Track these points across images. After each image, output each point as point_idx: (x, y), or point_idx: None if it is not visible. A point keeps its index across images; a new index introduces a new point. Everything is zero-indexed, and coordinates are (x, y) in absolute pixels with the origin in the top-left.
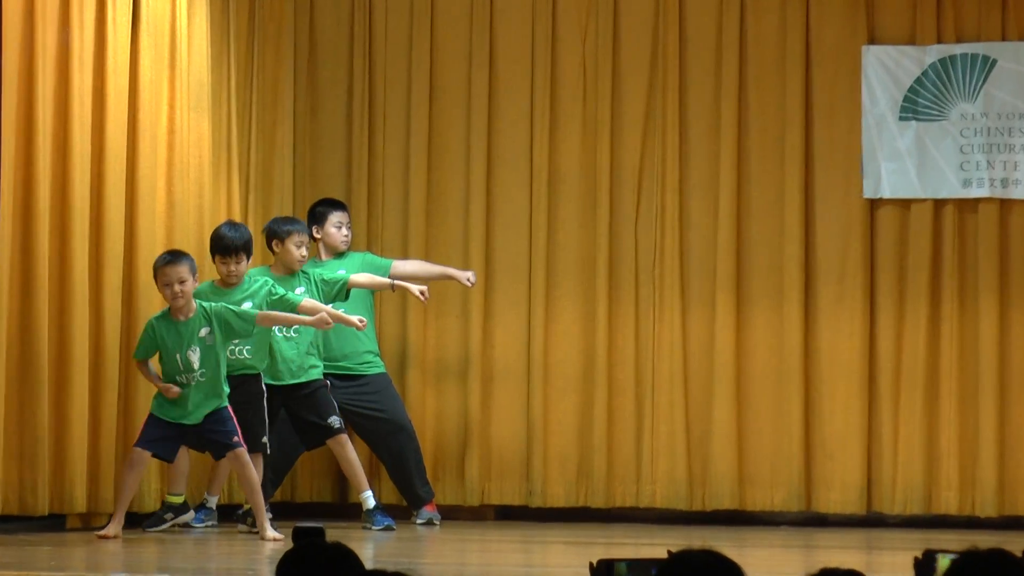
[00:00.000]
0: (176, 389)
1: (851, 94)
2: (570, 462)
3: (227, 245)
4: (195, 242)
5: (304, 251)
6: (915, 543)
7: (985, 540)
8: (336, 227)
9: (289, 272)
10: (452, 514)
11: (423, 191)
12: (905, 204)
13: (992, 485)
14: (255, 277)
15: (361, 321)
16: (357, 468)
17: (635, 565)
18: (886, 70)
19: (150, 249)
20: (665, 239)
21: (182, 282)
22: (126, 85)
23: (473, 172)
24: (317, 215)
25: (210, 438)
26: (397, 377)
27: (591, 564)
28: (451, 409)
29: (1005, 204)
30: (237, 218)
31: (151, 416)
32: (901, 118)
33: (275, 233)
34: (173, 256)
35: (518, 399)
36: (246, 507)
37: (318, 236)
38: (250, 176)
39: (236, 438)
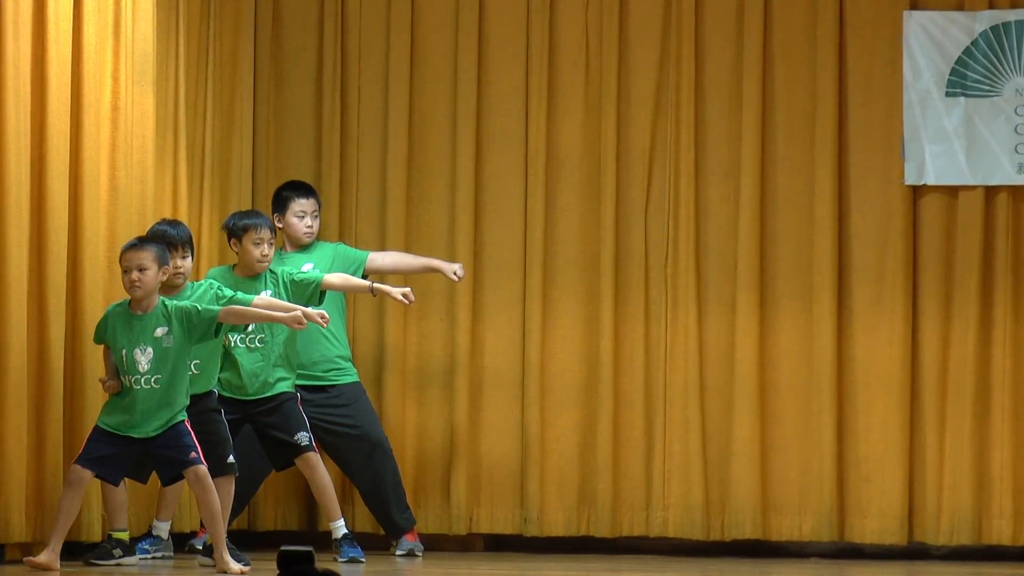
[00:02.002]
0: (113, 384)
1: (891, 66)
2: (570, 485)
3: (170, 241)
4: (137, 233)
5: (266, 248)
6: None
7: None
8: (298, 216)
9: (251, 274)
10: (436, 544)
11: (403, 176)
12: (952, 192)
13: None
14: (201, 282)
15: (323, 317)
16: (328, 492)
17: None
18: (931, 39)
19: (93, 243)
20: (679, 232)
21: (142, 270)
22: (69, 54)
23: (460, 155)
24: (280, 201)
25: (162, 455)
26: (373, 387)
27: None
28: (435, 424)
29: None
30: (185, 208)
31: (96, 428)
32: (948, 94)
33: (231, 231)
34: (139, 241)
35: (511, 413)
36: (207, 537)
37: (280, 226)
38: (205, 159)
39: (194, 454)
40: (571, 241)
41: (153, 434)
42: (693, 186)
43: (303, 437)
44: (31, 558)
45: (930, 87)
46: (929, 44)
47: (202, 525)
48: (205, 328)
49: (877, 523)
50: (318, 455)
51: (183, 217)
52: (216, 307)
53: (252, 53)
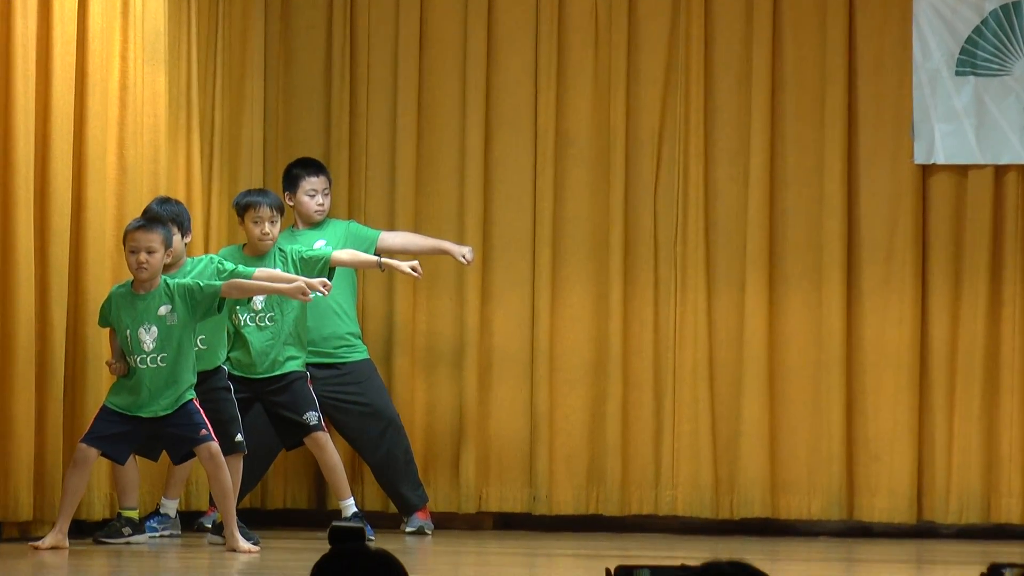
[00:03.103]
0: (119, 366)
1: (901, 45)
2: (579, 464)
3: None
4: None
5: (267, 227)
6: (972, 556)
7: None
8: (309, 195)
9: (257, 253)
10: (445, 522)
11: (412, 155)
12: (962, 171)
13: None
14: (200, 257)
15: (324, 285)
16: (338, 471)
17: (659, 572)
18: (941, 18)
19: (99, 222)
20: (688, 211)
21: (150, 252)
22: (74, 34)
23: (469, 134)
24: (290, 179)
25: (173, 433)
26: (382, 364)
27: (607, 571)
28: (444, 402)
29: None
30: (199, 186)
31: (103, 408)
32: (958, 73)
33: (236, 209)
34: (148, 221)
35: (520, 392)
36: (216, 516)
37: (291, 204)
38: (214, 138)
39: (205, 431)
40: (580, 220)
41: (162, 414)
42: (702, 165)
43: (312, 416)
44: (37, 544)
45: (940, 66)
46: (939, 23)
47: (211, 503)
48: (208, 304)
49: (886, 502)
50: (327, 435)
51: (196, 195)
52: (218, 282)
53: (263, 31)
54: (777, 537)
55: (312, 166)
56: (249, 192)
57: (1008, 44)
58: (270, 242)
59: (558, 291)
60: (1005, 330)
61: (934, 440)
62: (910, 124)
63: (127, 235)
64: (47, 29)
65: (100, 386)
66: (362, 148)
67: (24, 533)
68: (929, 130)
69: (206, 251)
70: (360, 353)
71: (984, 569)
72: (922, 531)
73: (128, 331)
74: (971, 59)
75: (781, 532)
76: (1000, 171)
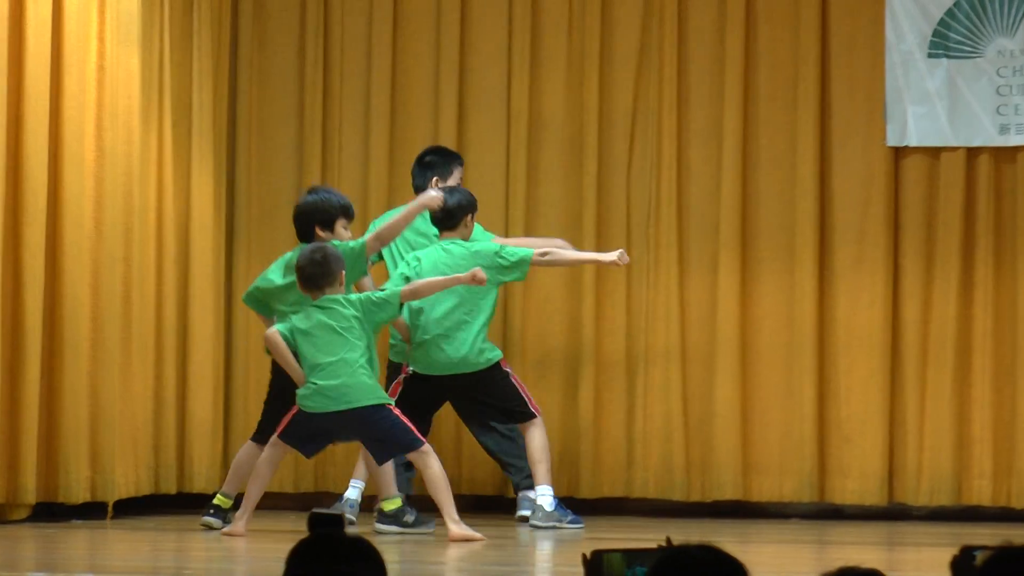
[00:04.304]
0: None
1: (874, 27)
2: (551, 446)
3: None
4: (123, 195)
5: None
6: (943, 538)
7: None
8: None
9: None
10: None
11: (385, 137)
12: (934, 153)
13: None
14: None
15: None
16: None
17: (631, 556)
18: (914, 0)
19: (77, 203)
20: (661, 192)
21: None
22: (49, 14)
23: (443, 115)
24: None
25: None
26: None
27: (584, 556)
28: None
29: None
30: (171, 170)
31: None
32: (930, 55)
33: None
34: None
35: None
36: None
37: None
38: (192, 120)
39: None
40: (553, 202)
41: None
42: (675, 147)
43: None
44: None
45: (912, 48)
46: (912, 5)
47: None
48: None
49: (858, 484)
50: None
51: (167, 178)
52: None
53: (239, 12)
54: (749, 519)
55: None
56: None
57: (980, 26)
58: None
59: (530, 273)
60: (976, 312)
61: (906, 422)
62: (883, 106)
63: None
64: (20, 9)
65: (78, 367)
66: (335, 130)
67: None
68: (902, 112)
69: (187, 238)
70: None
71: (956, 551)
72: (893, 513)
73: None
74: (944, 41)
75: (753, 514)
76: (972, 153)
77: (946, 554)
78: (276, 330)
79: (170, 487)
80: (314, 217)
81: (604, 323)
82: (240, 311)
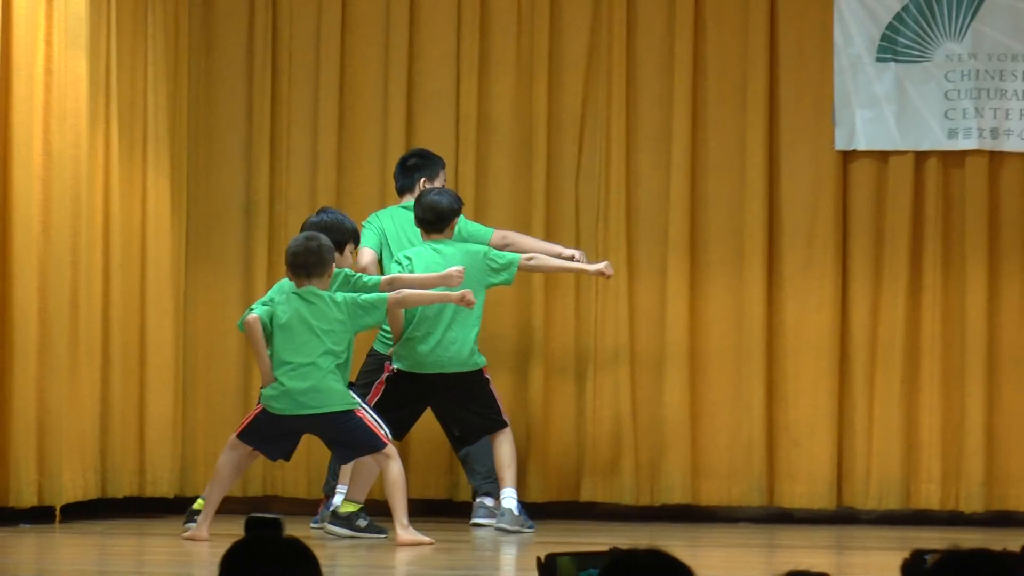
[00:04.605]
0: None
1: (822, 31)
2: None
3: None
4: (70, 198)
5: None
6: (892, 542)
7: (970, 538)
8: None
9: None
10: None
11: (334, 141)
12: (883, 157)
13: (978, 477)
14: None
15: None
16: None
17: (583, 559)
18: (862, 4)
19: (25, 206)
20: (610, 196)
21: None
22: None
23: (391, 118)
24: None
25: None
26: None
27: (538, 559)
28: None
29: (995, 158)
30: (117, 173)
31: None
32: (879, 59)
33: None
34: None
35: None
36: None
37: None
38: (147, 123)
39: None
40: (502, 205)
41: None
42: (624, 151)
43: None
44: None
45: (861, 52)
46: (860, 9)
47: (326, 493)
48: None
49: (806, 488)
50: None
51: (114, 182)
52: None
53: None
54: (698, 523)
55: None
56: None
57: (929, 31)
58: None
59: None
60: (925, 316)
61: (854, 426)
62: (831, 110)
63: None
64: None
65: (26, 371)
66: (284, 133)
67: None
68: (850, 116)
69: (142, 242)
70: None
71: (906, 555)
72: (842, 517)
73: None
74: (892, 45)
75: (702, 518)
76: (920, 157)
77: (895, 558)
78: (258, 317)
79: (119, 491)
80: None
81: (553, 326)
82: (199, 315)
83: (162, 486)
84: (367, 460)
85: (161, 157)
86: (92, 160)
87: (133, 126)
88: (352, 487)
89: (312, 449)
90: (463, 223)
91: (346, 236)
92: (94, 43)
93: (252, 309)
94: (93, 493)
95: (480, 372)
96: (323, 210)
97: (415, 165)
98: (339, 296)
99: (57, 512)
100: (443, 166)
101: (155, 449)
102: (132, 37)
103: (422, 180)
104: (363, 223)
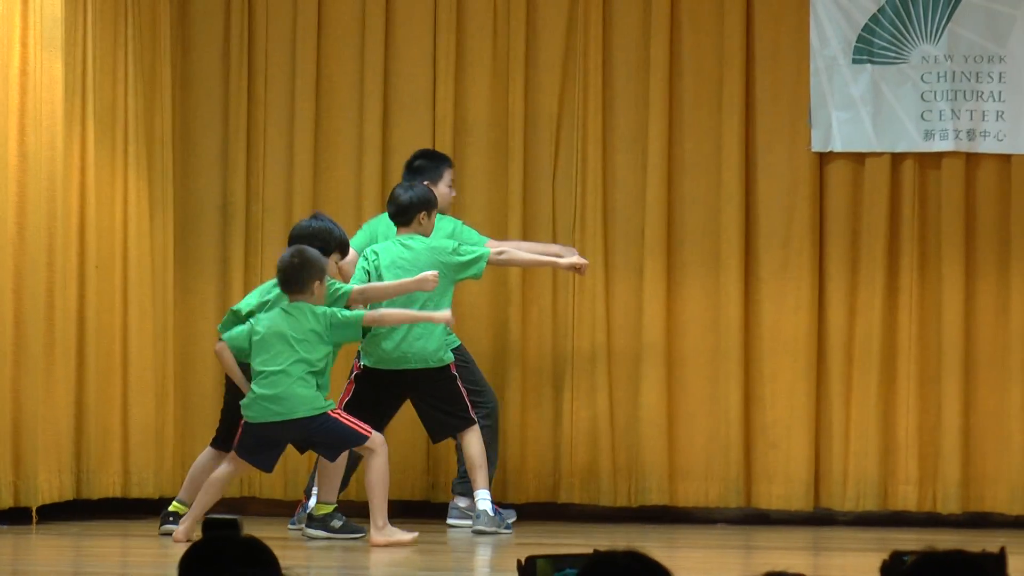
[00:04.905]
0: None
1: (798, 32)
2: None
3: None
4: (46, 200)
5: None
6: (868, 543)
7: (947, 540)
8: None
9: None
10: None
11: (310, 142)
12: (859, 158)
13: (955, 478)
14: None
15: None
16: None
17: (558, 560)
18: (837, 6)
19: (1, 208)
20: (587, 197)
21: None
22: None
23: (367, 119)
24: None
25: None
26: None
27: (519, 562)
28: (336, 392)
29: (972, 159)
30: (93, 173)
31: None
32: (855, 61)
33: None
34: None
35: None
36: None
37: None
38: (128, 125)
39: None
40: (479, 207)
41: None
42: (601, 152)
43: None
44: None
45: (837, 54)
46: (836, 10)
47: (306, 495)
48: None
49: (783, 489)
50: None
51: (89, 184)
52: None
53: (168, 19)
54: (675, 524)
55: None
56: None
57: (905, 32)
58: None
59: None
60: (901, 318)
61: (831, 427)
62: (807, 111)
63: None
64: None
65: (3, 371)
66: (260, 135)
67: None
68: (826, 117)
69: (123, 243)
70: None
71: (885, 556)
72: (819, 518)
73: None
74: (868, 47)
75: (679, 519)
76: (897, 159)
77: (872, 559)
78: (225, 345)
79: (97, 492)
80: (311, 243)
81: (530, 328)
82: (175, 316)
83: (141, 488)
84: (331, 462)
85: (140, 159)
86: (68, 162)
87: (113, 128)
88: (321, 489)
89: (288, 451)
90: (460, 229)
91: (332, 245)
92: (70, 45)
93: (227, 323)
94: (69, 494)
95: (447, 368)
96: (315, 216)
97: (419, 168)
98: (319, 309)
99: (33, 513)
100: (449, 165)
101: (133, 451)
102: (110, 39)
103: (425, 183)
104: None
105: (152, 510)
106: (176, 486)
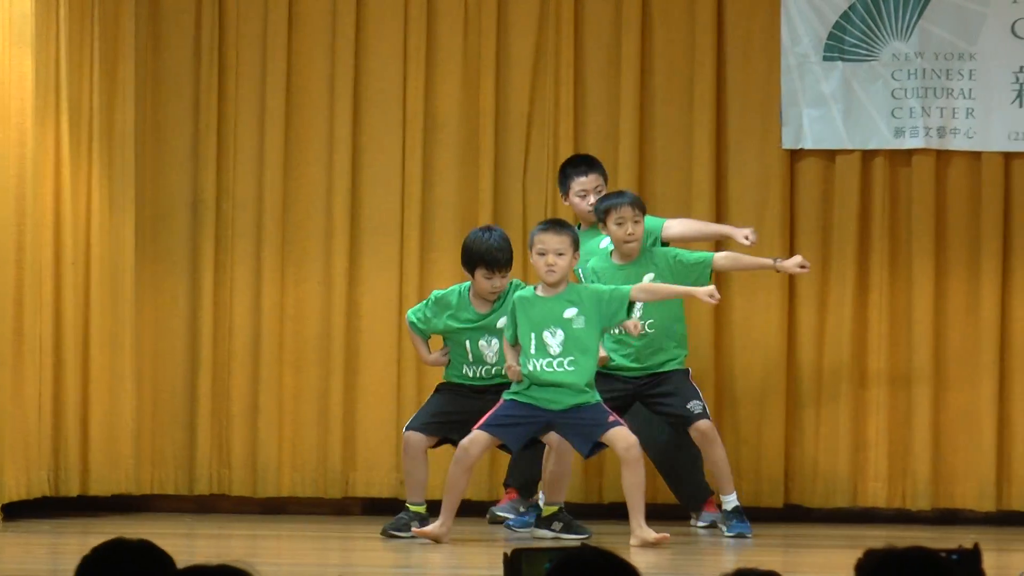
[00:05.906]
0: (516, 369)
1: (769, 29)
2: (449, 449)
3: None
4: (15, 197)
5: (631, 227)
6: (839, 540)
7: (916, 536)
8: (580, 196)
9: (625, 257)
10: (312, 508)
11: (280, 139)
12: (830, 156)
13: (925, 475)
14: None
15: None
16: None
17: (530, 555)
18: (809, 3)
19: None
20: (558, 195)
21: (559, 254)
22: None
23: (338, 118)
24: (563, 179)
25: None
26: (249, 353)
27: (505, 555)
28: (310, 390)
29: (942, 156)
30: (68, 172)
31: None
32: (826, 58)
33: (598, 215)
34: (555, 224)
35: (389, 376)
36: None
37: (567, 204)
38: (93, 122)
39: (612, 417)
40: (449, 204)
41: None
42: (572, 149)
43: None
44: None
45: (808, 51)
46: (807, 8)
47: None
48: (617, 308)
49: (753, 486)
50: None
51: (65, 181)
52: (627, 287)
53: (135, 15)
54: (647, 521)
55: (583, 164)
56: (607, 195)
57: (876, 30)
58: (635, 243)
59: (427, 274)
60: (872, 315)
61: (801, 424)
62: (778, 109)
63: (534, 238)
64: None
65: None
66: (231, 132)
67: None
68: (797, 115)
69: (86, 243)
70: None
71: (856, 553)
72: (789, 515)
73: (532, 334)
74: (839, 44)
75: (650, 516)
76: (867, 156)
77: (842, 555)
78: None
79: (67, 490)
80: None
81: None
82: (146, 313)
83: (108, 484)
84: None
85: (103, 156)
86: (39, 158)
87: (80, 125)
88: (549, 489)
89: (258, 448)
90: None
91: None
92: (41, 41)
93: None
94: (38, 491)
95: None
96: (488, 228)
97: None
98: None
99: None
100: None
101: (105, 447)
102: (78, 36)
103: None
104: None
105: (121, 508)
106: (142, 483)
